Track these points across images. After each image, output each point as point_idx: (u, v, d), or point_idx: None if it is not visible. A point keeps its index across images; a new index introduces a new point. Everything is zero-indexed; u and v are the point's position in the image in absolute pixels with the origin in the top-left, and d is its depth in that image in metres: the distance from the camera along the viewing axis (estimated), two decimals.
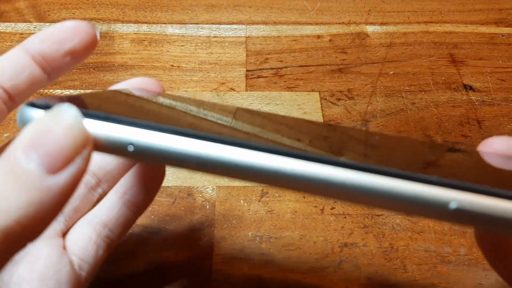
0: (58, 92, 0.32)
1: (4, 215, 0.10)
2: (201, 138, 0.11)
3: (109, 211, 0.18)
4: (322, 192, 0.11)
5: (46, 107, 0.11)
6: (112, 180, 0.19)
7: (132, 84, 0.19)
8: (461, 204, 0.10)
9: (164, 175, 0.20)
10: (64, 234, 0.18)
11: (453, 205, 0.10)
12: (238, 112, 0.17)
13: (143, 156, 0.11)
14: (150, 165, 0.19)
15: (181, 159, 0.11)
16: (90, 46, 0.15)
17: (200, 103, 0.17)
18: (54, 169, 0.10)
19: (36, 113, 0.11)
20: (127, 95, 0.17)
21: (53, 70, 0.15)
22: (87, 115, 0.11)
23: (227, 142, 0.10)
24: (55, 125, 0.10)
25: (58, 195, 0.10)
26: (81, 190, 0.18)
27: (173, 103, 0.16)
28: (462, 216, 0.10)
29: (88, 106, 0.12)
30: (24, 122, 0.11)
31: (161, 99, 0.17)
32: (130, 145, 0.11)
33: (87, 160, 0.11)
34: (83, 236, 0.18)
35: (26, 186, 0.10)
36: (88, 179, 0.18)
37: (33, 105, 0.11)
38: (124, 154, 0.11)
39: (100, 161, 0.19)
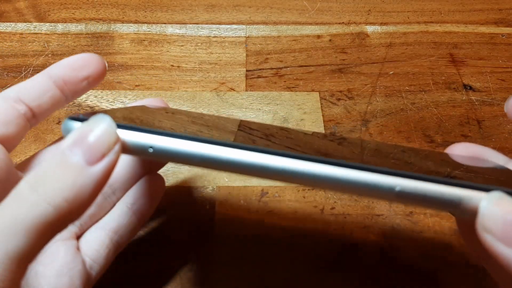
0: None
1: (57, 194, 0.13)
2: (197, 141, 0.14)
3: (120, 219, 0.21)
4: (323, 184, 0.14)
5: (83, 119, 0.14)
6: (123, 191, 0.22)
7: (144, 102, 0.23)
8: (403, 187, 0.14)
9: (164, 187, 0.23)
10: (78, 237, 0.20)
11: (397, 188, 0.14)
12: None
13: (160, 156, 0.14)
14: (157, 178, 0.23)
15: (186, 157, 0.14)
16: (102, 73, 0.19)
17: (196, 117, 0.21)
18: (93, 161, 0.13)
19: (76, 124, 0.14)
20: (143, 109, 0.21)
21: (71, 93, 0.19)
22: (118, 125, 0.14)
23: (210, 142, 0.15)
24: (94, 128, 0.14)
25: (96, 181, 0.13)
26: (97, 198, 0.20)
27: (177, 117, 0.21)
28: (404, 197, 0.14)
29: (116, 119, 0.15)
30: (67, 131, 0.14)
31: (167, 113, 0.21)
32: (150, 148, 0.14)
33: (117, 155, 0.14)
34: (96, 240, 0.20)
35: (72, 174, 0.13)
36: (104, 189, 0.20)
37: (73, 118, 0.15)
38: (146, 154, 0.14)
39: (115, 173, 0.21)
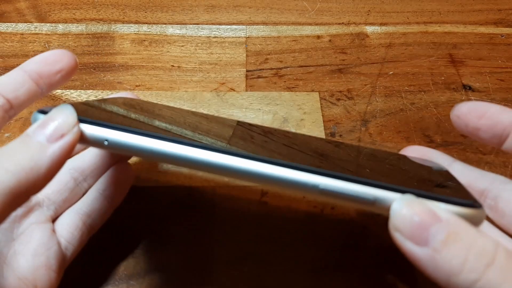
0: (58, 92, 0.32)
1: (18, 167, 0.14)
2: (142, 134, 0.16)
3: (92, 203, 0.23)
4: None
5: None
6: (94, 178, 0.24)
7: (120, 95, 0.25)
8: (325, 185, 0.15)
9: (132, 176, 0.25)
10: (53, 220, 0.22)
11: (321, 186, 0.15)
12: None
13: (114, 148, 0.16)
14: (125, 168, 0.25)
15: (138, 151, 0.16)
16: (74, 67, 0.20)
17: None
18: (53, 139, 0.15)
19: (43, 115, 0.16)
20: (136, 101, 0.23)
21: (46, 85, 0.20)
22: (80, 120, 0.16)
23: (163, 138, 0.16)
24: (56, 114, 0.16)
25: (53, 157, 0.15)
26: (70, 184, 0.23)
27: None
28: (327, 194, 0.15)
29: (81, 112, 0.17)
30: (35, 121, 0.16)
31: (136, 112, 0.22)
32: (106, 140, 0.16)
33: (75, 136, 0.16)
34: (71, 223, 0.22)
35: (32, 149, 0.15)
36: (76, 175, 0.23)
37: (42, 111, 0.17)
38: (103, 146, 0.16)
39: (85, 162, 0.24)
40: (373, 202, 0.15)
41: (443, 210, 0.14)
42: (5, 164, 0.14)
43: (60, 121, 0.16)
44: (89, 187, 0.24)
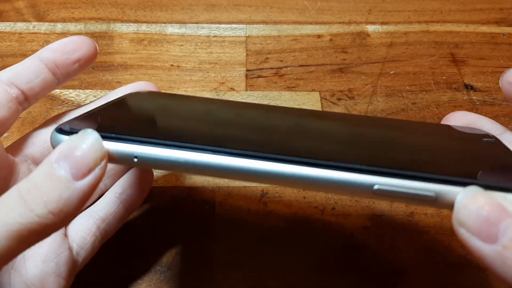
0: (57, 92, 0.32)
1: (42, 205, 0.13)
2: (180, 148, 0.15)
3: (108, 207, 0.21)
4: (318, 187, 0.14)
5: (71, 131, 0.15)
6: (111, 181, 0.23)
7: (136, 87, 0.23)
8: (380, 186, 0.14)
9: (152, 179, 0.24)
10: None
11: (375, 187, 0.14)
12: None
13: (144, 165, 0.15)
14: (146, 170, 0.23)
15: (169, 165, 0.15)
16: (93, 55, 0.19)
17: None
18: (79, 176, 0.14)
19: (64, 136, 0.15)
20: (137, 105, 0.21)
21: (63, 75, 0.19)
22: (105, 137, 0.15)
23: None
24: (81, 143, 0.14)
25: (81, 195, 0.14)
26: None
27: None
28: (382, 195, 0.14)
29: (102, 125, 0.16)
30: (55, 142, 0.15)
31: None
32: (135, 158, 0.15)
33: (103, 170, 0.14)
34: (84, 227, 0.21)
35: (58, 187, 0.13)
36: None
37: (61, 130, 0.15)
38: (132, 163, 0.15)
39: None
40: (434, 199, 0.14)
41: None
42: (32, 205, 0.13)
43: (86, 154, 0.14)
44: (106, 189, 0.22)
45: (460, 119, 0.21)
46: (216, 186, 0.28)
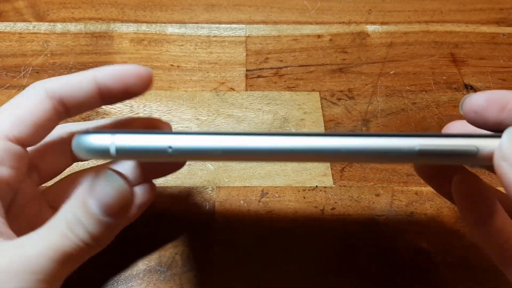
0: None
1: (89, 236, 0.16)
2: (211, 134, 0.16)
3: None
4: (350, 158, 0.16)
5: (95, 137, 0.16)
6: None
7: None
8: (422, 146, 0.15)
9: (154, 196, 0.24)
10: None
11: (417, 148, 0.15)
12: None
13: (179, 156, 0.16)
14: (159, 175, 0.24)
15: (205, 152, 0.16)
16: (147, 87, 0.19)
17: None
18: (109, 215, 0.16)
19: (86, 140, 0.16)
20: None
21: (109, 100, 0.19)
22: (136, 131, 0.16)
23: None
24: (107, 188, 0.16)
25: (114, 229, 0.17)
26: None
27: None
28: (425, 154, 0.15)
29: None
30: (78, 148, 0.16)
31: None
32: (169, 148, 0.15)
33: (132, 211, 0.18)
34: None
35: (94, 221, 0.16)
36: None
37: (84, 136, 0.16)
38: (164, 156, 0.15)
39: None
40: (476, 152, 0.15)
41: None
42: (80, 235, 0.16)
43: (114, 199, 0.16)
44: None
45: (460, 129, 0.21)
46: (216, 186, 0.28)
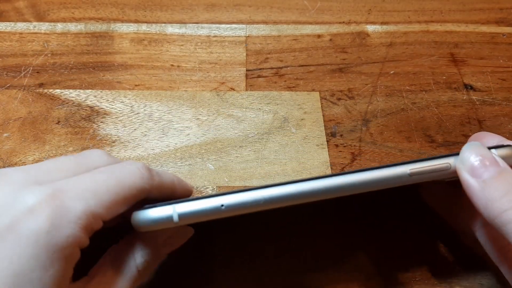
0: (57, 92, 0.32)
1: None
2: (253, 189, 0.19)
3: None
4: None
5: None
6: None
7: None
8: (412, 169, 0.20)
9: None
10: None
11: (408, 172, 0.20)
12: None
13: (231, 210, 0.19)
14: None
15: (252, 204, 0.19)
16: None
17: None
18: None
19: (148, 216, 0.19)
20: None
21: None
22: (189, 200, 0.19)
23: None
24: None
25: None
26: None
27: None
28: (416, 175, 0.20)
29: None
30: (143, 221, 0.19)
31: None
32: (222, 205, 0.19)
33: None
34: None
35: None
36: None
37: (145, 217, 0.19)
38: (219, 213, 0.19)
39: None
40: (449, 167, 0.20)
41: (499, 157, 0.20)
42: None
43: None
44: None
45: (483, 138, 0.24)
46: (216, 186, 0.28)
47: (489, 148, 0.20)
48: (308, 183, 0.19)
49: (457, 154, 0.20)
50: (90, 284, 0.18)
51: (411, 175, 0.20)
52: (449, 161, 0.20)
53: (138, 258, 0.20)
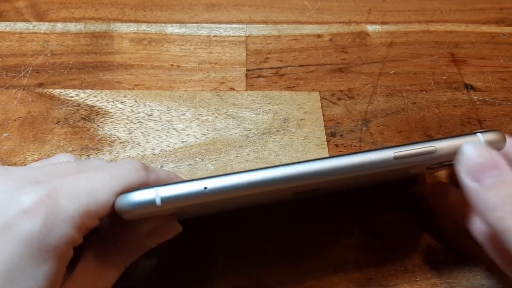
0: (57, 92, 0.32)
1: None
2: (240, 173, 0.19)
3: None
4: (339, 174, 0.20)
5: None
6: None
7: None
8: (396, 152, 0.20)
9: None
10: None
11: (393, 154, 0.20)
12: None
13: (214, 194, 0.18)
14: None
15: (235, 188, 0.19)
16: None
17: None
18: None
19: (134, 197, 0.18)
20: None
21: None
22: (171, 184, 0.18)
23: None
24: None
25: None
26: None
27: None
28: (400, 157, 0.20)
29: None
30: (125, 205, 0.18)
31: None
32: (205, 188, 0.18)
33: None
34: None
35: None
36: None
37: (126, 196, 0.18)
38: (200, 197, 0.18)
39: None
40: (434, 151, 0.20)
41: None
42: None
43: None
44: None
45: None
46: None
47: (475, 132, 0.20)
48: (292, 167, 0.19)
49: (443, 139, 0.20)
50: (74, 276, 0.18)
51: (396, 158, 0.19)
52: (435, 145, 0.20)
53: (121, 248, 0.20)
